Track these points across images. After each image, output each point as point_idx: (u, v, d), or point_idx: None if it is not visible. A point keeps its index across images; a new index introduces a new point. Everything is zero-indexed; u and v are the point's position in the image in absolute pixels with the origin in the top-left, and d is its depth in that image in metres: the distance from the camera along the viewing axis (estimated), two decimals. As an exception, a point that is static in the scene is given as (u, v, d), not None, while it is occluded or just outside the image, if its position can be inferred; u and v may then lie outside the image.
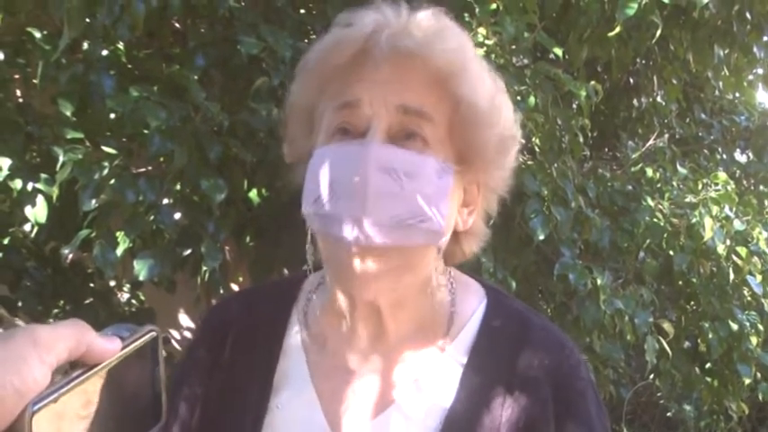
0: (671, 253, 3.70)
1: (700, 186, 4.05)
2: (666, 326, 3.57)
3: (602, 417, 1.30)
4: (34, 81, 2.44)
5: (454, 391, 1.24)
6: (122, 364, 0.80)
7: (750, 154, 5.58)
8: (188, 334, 3.54)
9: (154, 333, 0.85)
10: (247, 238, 2.97)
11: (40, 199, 2.38)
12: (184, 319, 3.54)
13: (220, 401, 1.30)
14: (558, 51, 3.06)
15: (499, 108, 1.22)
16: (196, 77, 2.55)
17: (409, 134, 1.14)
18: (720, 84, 5.25)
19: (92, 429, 0.77)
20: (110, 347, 0.78)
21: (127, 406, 0.82)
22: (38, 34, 2.41)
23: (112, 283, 3.21)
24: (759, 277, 3.97)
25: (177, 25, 2.95)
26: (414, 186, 1.12)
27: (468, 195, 1.26)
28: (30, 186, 2.37)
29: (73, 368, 0.76)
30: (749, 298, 4.11)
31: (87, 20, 2.28)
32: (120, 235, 2.38)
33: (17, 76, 2.63)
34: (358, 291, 1.18)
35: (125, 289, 3.39)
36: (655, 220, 3.66)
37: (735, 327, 3.76)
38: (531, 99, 2.89)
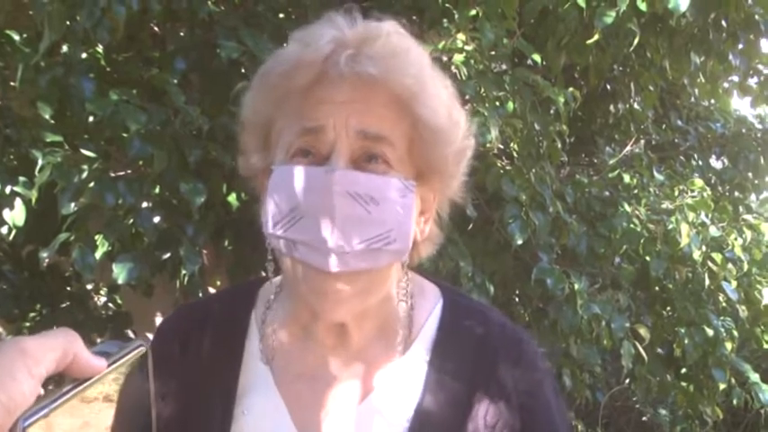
0: (647, 259, 3.73)
1: (676, 192, 4.08)
2: (642, 331, 3.59)
3: (560, 404, 1.34)
4: (12, 83, 2.43)
5: (420, 391, 1.25)
6: (112, 379, 0.80)
7: (725, 160, 5.63)
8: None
9: (143, 348, 0.85)
10: (226, 242, 2.97)
11: (18, 202, 2.37)
12: (161, 323, 3.52)
13: (184, 409, 1.29)
14: (537, 57, 3.08)
15: (457, 123, 1.22)
16: (176, 81, 2.54)
17: (371, 157, 1.14)
18: (696, 91, 5.31)
19: (84, 418, 0.77)
20: (95, 363, 0.77)
21: (117, 420, 0.81)
22: (16, 37, 2.40)
23: (89, 287, 3.19)
24: (734, 283, 4.00)
25: (156, 29, 2.95)
26: (380, 210, 1.12)
27: (425, 204, 1.26)
28: (8, 189, 2.36)
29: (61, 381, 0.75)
30: (724, 304, 4.15)
31: (67, 23, 2.28)
32: (98, 238, 2.38)
33: (-6, 79, 2.62)
34: (326, 314, 1.18)
35: (102, 293, 3.38)
36: (631, 225, 3.69)
37: (710, 332, 3.78)
38: (510, 105, 2.90)
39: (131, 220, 2.41)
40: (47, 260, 2.39)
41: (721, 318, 3.96)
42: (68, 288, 3.07)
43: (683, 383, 4.09)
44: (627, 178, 4.05)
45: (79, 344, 0.76)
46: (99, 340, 3.04)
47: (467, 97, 2.78)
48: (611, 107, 4.63)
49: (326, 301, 1.15)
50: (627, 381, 4.79)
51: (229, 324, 1.36)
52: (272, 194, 1.16)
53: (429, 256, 1.35)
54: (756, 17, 3.90)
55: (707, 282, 3.86)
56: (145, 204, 2.43)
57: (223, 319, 1.37)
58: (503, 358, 1.29)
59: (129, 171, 2.50)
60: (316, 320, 1.25)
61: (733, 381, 4.01)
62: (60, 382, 0.75)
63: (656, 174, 4.30)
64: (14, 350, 0.71)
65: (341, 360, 1.28)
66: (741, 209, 5.20)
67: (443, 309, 1.35)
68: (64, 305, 3.03)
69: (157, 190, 2.46)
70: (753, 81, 4.91)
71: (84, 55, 2.49)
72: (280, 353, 1.31)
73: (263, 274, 1.30)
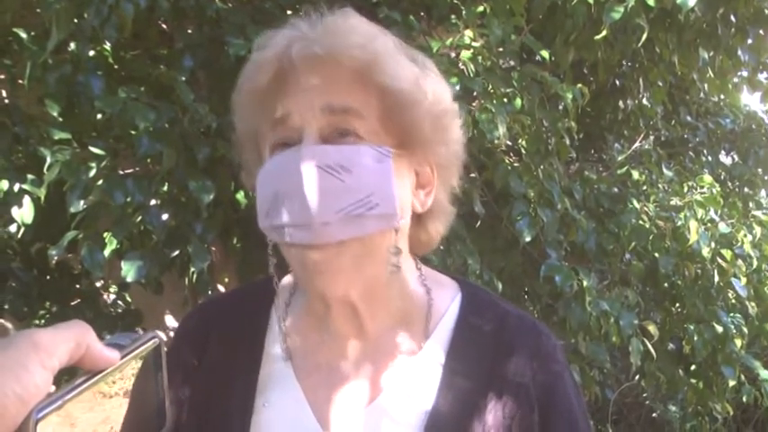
0: (656, 255, 3.72)
1: (685, 189, 4.07)
2: (651, 328, 3.58)
3: (579, 397, 1.34)
4: (20, 81, 2.43)
5: (437, 385, 1.25)
6: (125, 371, 0.80)
7: (735, 156, 5.62)
8: (174, 335, 3.54)
9: (156, 340, 0.86)
10: (234, 240, 2.97)
11: (26, 200, 2.37)
12: (171, 321, 3.53)
13: (205, 403, 1.31)
14: (545, 54, 3.07)
15: (424, 88, 1.23)
16: (183, 79, 2.54)
17: (342, 132, 1.17)
18: (706, 86, 5.29)
19: (105, 413, 0.77)
20: (108, 355, 0.78)
21: (131, 412, 0.82)
22: (24, 35, 2.40)
23: (98, 285, 3.20)
24: (743, 280, 3.98)
25: (164, 26, 2.95)
26: (354, 177, 1.14)
27: (423, 177, 1.28)
28: (16, 187, 2.36)
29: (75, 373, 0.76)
30: (733, 300, 4.14)
31: (75, 20, 2.28)
32: (107, 236, 2.38)
33: (3, 77, 2.62)
34: (325, 288, 1.19)
35: (111, 290, 3.39)
36: (640, 222, 3.68)
37: (719, 329, 3.78)
38: (518, 101, 2.90)
39: (140, 218, 2.41)
40: (56, 258, 2.39)
41: (731, 314, 3.95)
42: (78, 286, 3.07)
43: (693, 380, 4.08)
44: (636, 174, 4.05)
45: (92, 336, 0.77)
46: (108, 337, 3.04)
47: (474, 94, 2.78)
48: (620, 103, 4.63)
49: (322, 275, 1.16)
50: (636, 377, 4.79)
51: (250, 320, 1.38)
52: (258, 190, 1.21)
53: (437, 252, 1.35)
54: (766, 12, 3.89)
55: (716, 278, 3.86)
56: (153, 202, 2.43)
57: (244, 316, 1.39)
58: (520, 351, 1.29)
59: (137, 169, 2.50)
60: (329, 308, 1.27)
61: (743, 377, 4.00)
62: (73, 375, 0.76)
63: (665, 170, 4.29)
64: (27, 342, 0.72)
65: (357, 351, 1.29)
66: (751, 205, 5.20)
67: (462, 303, 1.35)
68: (74, 303, 3.03)
69: (166, 187, 2.46)
70: (762, 76, 4.90)
71: (91, 53, 2.49)
72: (299, 346, 1.32)
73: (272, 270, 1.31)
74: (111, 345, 0.80)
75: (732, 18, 3.85)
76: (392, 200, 1.17)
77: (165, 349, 0.88)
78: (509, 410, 1.24)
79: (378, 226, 1.17)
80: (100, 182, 2.32)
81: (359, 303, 1.25)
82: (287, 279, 1.40)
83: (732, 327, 3.84)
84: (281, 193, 1.15)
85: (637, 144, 4.50)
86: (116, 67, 2.67)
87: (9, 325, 3.38)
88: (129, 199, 2.35)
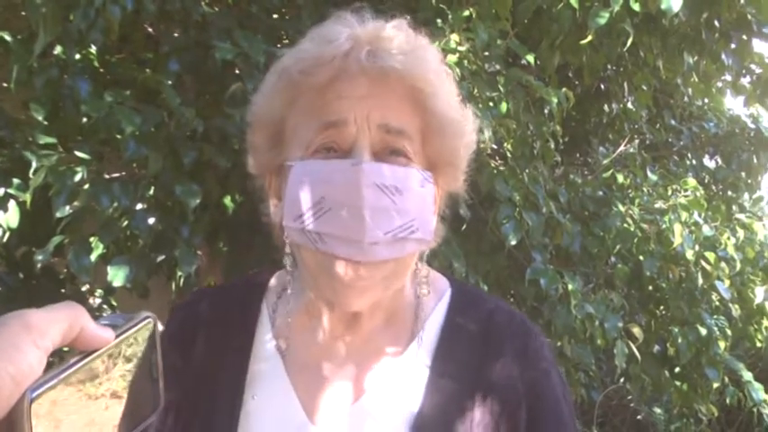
0: (641, 258, 3.73)
1: (669, 192, 4.09)
2: (636, 330, 3.59)
3: (566, 394, 1.35)
4: (4, 84, 2.42)
5: (423, 387, 1.26)
6: (119, 351, 0.80)
7: (719, 160, 5.64)
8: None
9: (150, 319, 0.85)
10: (220, 243, 2.97)
11: (12, 204, 2.36)
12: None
13: (194, 397, 1.31)
14: (530, 58, 3.08)
15: (467, 118, 1.27)
16: (170, 82, 2.54)
17: (393, 151, 1.17)
18: (690, 90, 5.31)
19: (91, 415, 0.77)
20: (103, 335, 0.77)
21: (125, 392, 0.82)
22: (8, 38, 2.39)
23: (84, 289, 3.19)
24: (727, 282, 4.00)
25: (150, 30, 2.95)
26: (403, 200, 1.15)
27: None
28: (1, 191, 2.35)
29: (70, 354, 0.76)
30: (717, 303, 4.15)
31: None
32: (93, 240, 2.37)
33: (-13, 80, 2.61)
34: (348, 303, 1.19)
35: (97, 294, 3.37)
36: (625, 225, 3.70)
37: (703, 331, 3.78)
38: (504, 105, 2.91)
39: (126, 223, 2.41)
40: (41, 262, 2.38)
41: (714, 317, 3.96)
42: (63, 290, 3.06)
43: (677, 382, 4.10)
44: (620, 178, 4.06)
45: (85, 317, 0.76)
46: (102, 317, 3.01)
47: (460, 98, 2.78)
48: (605, 107, 4.64)
49: (351, 290, 1.17)
50: (621, 380, 4.80)
51: (241, 314, 1.38)
52: (294, 189, 1.18)
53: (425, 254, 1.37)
54: (749, 17, 3.90)
55: (700, 281, 3.87)
56: (139, 206, 2.43)
57: (235, 310, 1.39)
58: (508, 349, 1.30)
59: (123, 173, 2.50)
60: (331, 311, 1.28)
61: (727, 379, 4.02)
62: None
63: (649, 173, 4.31)
64: (19, 323, 0.71)
65: (346, 351, 1.30)
66: (734, 208, 5.22)
67: (450, 300, 1.37)
68: (59, 307, 3.01)
69: (152, 192, 2.46)
70: (746, 80, 4.91)
71: (77, 56, 2.48)
72: (290, 343, 1.33)
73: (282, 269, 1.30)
74: (105, 325, 0.79)
75: (716, 23, 3.87)
76: (430, 225, 1.20)
77: (160, 328, 0.88)
78: (496, 409, 1.25)
79: (414, 249, 1.20)
80: (86, 186, 2.31)
81: (365, 312, 1.26)
82: (277, 275, 1.41)
83: (716, 329, 3.85)
84: (327, 202, 1.14)
85: (621, 148, 4.51)
86: (101, 70, 2.67)
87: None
88: (115, 203, 2.34)
